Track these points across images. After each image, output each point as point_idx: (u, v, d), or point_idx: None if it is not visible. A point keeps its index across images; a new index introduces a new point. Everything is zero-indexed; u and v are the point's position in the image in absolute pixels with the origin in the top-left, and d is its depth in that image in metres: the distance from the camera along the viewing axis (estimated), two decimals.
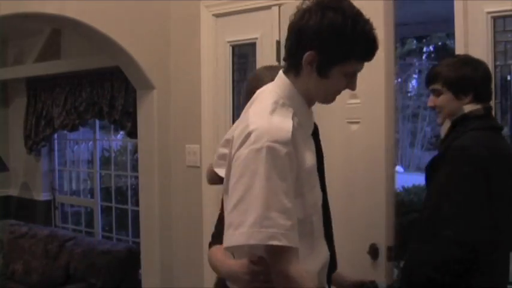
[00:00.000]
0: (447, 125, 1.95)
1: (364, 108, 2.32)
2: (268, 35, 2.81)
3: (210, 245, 1.63)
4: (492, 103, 2.12)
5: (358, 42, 1.35)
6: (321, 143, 1.62)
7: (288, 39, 1.40)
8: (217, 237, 1.54)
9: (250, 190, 1.25)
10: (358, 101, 2.30)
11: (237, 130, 1.36)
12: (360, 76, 1.47)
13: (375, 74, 2.14)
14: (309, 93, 1.42)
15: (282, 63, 1.48)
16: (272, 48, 2.79)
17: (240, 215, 1.25)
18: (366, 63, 1.43)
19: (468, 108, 1.88)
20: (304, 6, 1.38)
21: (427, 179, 1.96)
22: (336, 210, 1.75)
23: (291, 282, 1.28)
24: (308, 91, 1.41)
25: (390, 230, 2.26)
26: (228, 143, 1.46)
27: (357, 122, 2.34)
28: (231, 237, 1.27)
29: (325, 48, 1.34)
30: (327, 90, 1.42)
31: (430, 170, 1.92)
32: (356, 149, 2.34)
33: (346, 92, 1.52)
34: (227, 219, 1.29)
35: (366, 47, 1.37)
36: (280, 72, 1.44)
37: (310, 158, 1.39)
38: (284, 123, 1.31)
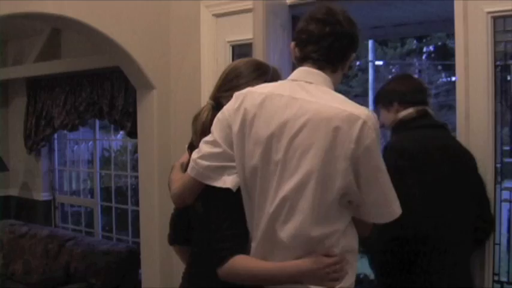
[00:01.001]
0: None
1: None
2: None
3: (223, 259, 1.47)
4: (491, 103, 2.14)
5: None
6: None
7: (340, 39, 1.49)
8: (232, 249, 1.48)
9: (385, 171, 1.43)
10: None
11: (335, 122, 1.36)
12: None
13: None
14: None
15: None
16: None
17: (391, 192, 1.44)
18: None
19: (401, 114, 2.08)
20: (341, 14, 1.51)
21: None
22: None
23: None
24: (334, 85, 1.52)
25: None
26: (219, 156, 1.48)
27: None
28: (391, 213, 1.44)
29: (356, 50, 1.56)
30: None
31: None
32: None
33: None
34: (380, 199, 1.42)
35: None
36: (313, 69, 1.49)
37: None
38: None
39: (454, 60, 2.23)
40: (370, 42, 12.31)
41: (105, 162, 5.19)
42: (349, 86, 13.93)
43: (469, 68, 2.19)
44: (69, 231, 4.75)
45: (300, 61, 1.52)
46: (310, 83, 1.46)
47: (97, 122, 4.80)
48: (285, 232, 1.41)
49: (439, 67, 12.96)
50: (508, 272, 2.40)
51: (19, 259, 4.38)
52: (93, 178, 4.89)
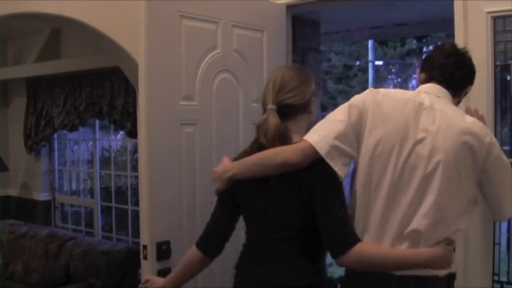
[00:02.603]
0: None
1: (201, 110, 2.40)
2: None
3: (350, 245, 1.59)
4: (491, 103, 2.14)
5: None
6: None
7: (460, 68, 1.75)
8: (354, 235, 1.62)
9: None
10: (195, 103, 2.36)
11: (475, 139, 1.60)
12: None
13: (207, 75, 2.43)
14: None
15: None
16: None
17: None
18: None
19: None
20: (463, 50, 1.79)
21: None
22: None
23: None
24: None
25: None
26: (346, 139, 1.62)
27: (193, 124, 2.35)
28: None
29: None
30: None
31: None
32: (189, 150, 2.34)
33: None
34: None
35: None
36: (441, 87, 1.72)
37: None
38: None
39: None
40: (370, 42, 12.31)
41: (105, 162, 5.19)
42: (349, 85, 13.94)
43: None
44: (69, 231, 4.74)
45: (425, 81, 1.76)
46: (439, 97, 1.68)
47: (97, 122, 4.80)
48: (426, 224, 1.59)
49: None
50: (508, 272, 2.40)
51: (19, 259, 4.38)
52: (93, 178, 4.88)
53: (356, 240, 1.60)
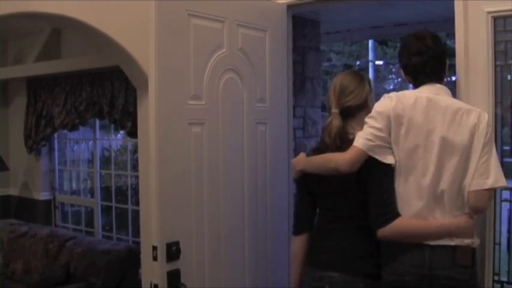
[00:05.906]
0: None
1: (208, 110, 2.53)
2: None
3: (388, 220, 1.94)
4: (491, 103, 2.14)
5: None
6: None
7: (435, 61, 2.04)
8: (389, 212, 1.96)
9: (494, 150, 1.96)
10: (202, 102, 2.39)
11: (470, 117, 1.94)
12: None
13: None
14: None
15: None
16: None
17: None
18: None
19: None
20: (428, 38, 2.07)
21: None
22: None
23: None
24: None
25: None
26: (382, 139, 1.99)
27: (200, 123, 2.39)
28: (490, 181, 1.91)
29: None
30: None
31: None
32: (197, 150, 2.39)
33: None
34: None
35: None
36: (436, 84, 2.03)
37: None
38: None
39: (454, 60, 2.23)
40: (370, 42, 12.30)
41: (106, 161, 5.19)
42: None
43: (469, 68, 2.19)
44: (69, 231, 4.74)
45: (414, 83, 2.08)
46: (438, 94, 2.00)
47: (97, 122, 4.80)
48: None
49: None
50: (508, 272, 2.40)
51: (19, 259, 4.38)
52: (93, 178, 4.89)
53: (394, 216, 1.94)
